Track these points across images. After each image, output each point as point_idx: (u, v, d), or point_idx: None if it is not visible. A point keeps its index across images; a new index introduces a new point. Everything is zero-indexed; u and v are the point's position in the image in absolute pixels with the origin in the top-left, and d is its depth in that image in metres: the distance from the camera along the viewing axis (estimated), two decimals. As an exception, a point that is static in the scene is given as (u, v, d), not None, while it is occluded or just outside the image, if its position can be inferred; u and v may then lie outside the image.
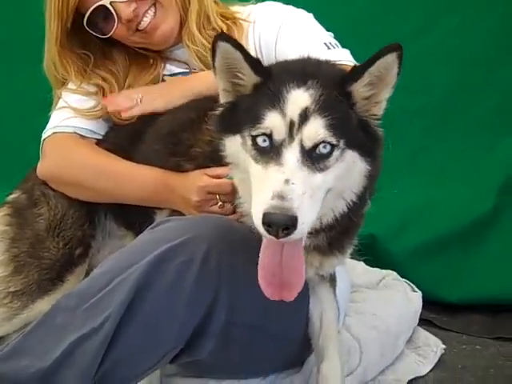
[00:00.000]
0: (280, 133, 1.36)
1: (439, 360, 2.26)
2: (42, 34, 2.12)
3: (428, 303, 2.59)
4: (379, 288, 2.53)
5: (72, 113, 2.11)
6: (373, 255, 2.72)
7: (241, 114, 1.45)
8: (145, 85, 2.14)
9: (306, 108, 1.36)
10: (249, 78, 1.46)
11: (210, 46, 1.98)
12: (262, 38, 2.11)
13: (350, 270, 2.48)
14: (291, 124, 1.36)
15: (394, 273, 2.61)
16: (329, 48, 1.99)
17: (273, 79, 1.43)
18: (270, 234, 1.30)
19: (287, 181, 1.30)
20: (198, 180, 1.81)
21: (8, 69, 3.06)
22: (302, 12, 2.15)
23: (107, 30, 2.07)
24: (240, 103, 1.48)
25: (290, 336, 1.82)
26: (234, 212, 1.78)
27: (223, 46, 1.43)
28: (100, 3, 2.00)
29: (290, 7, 2.16)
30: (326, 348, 1.83)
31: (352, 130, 1.42)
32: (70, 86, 2.15)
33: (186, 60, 2.16)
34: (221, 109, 1.53)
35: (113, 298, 1.49)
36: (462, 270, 2.77)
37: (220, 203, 1.80)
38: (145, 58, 2.17)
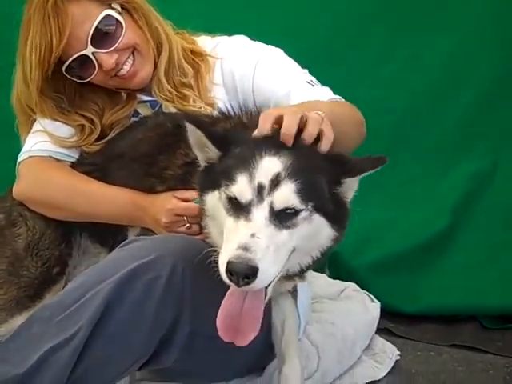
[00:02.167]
0: (247, 196, 1.45)
1: (394, 365, 2.38)
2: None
3: (388, 313, 2.74)
4: (340, 299, 2.65)
5: (46, 137, 2.17)
6: (336, 270, 2.88)
7: (217, 173, 1.55)
8: (120, 119, 2.18)
9: (278, 173, 1.44)
10: (214, 152, 1.58)
11: (175, 92, 2.14)
12: (235, 73, 2.15)
13: (314, 281, 2.61)
14: (261, 187, 1.43)
15: (354, 284, 2.73)
16: (313, 86, 2.07)
17: (243, 147, 1.52)
18: (231, 281, 1.39)
19: (253, 235, 1.39)
20: (167, 202, 1.90)
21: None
22: (273, 48, 2.21)
23: (85, 76, 2.10)
24: (215, 166, 1.59)
25: (251, 345, 1.91)
26: (200, 233, 1.87)
27: (189, 127, 1.57)
28: (82, 53, 2.03)
29: (259, 43, 2.23)
30: (287, 352, 1.95)
31: (322, 198, 1.49)
32: None
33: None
34: (201, 169, 1.65)
35: (84, 311, 1.58)
36: (419, 283, 2.91)
37: (187, 224, 1.89)
38: (118, 94, 2.21)
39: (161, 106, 2.23)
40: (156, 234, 1.96)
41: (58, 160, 2.19)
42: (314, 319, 2.40)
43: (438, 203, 2.99)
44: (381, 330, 2.62)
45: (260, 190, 1.45)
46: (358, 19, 3.03)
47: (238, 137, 1.59)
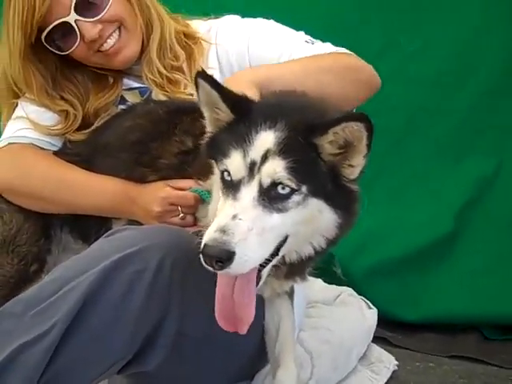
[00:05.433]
0: (239, 172, 1.37)
1: (392, 376, 2.29)
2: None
3: (384, 321, 2.63)
4: (335, 304, 2.55)
5: (29, 124, 2.06)
6: (331, 274, 2.75)
7: (216, 146, 1.47)
8: (106, 104, 2.08)
9: (268, 149, 1.36)
10: (225, 115, 1.47)
11: (167, 74, 2.05)
12: (230, 53, 2.07)
13: (308, 286, 2.45)
14: (252, 164, 1.35)
15: (351, 289, 2.63)
16: (312, 43, 2.01)
17: (244, 118, 1.42)
18: (207, 265, 1.30)
19: (235, 216, 1.31)
20: (161, 191, 1.79)
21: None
22: (263, 19, 2.13)
23: (66, 48, 2.00)
24: (217, 136, 1.49)
25: (241, 348, 1.80)
26: (194, 224, 1.78)
27: (202, 84, 1.45)
28: (64, 20, 1.94)
29: (250, 18, 2.15)
30: (282, 356, 1.82)
31: (318, 178, 1.39)
32: (28, 95, 2.09)
33: (142, 74, 2.10)
34: (207, 137, 1.55)
35: (60, 306, 1.46)
36: (419, 290, 2.82)
37: (181, 215, 1.78)
38: (104, 77, 2.11)
39: (150, 93, 2.12)
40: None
41: (41, 148, 2.07)
42: (309, 325, 2.30)
43: (440, 206, 2.88)
44: (377, 339, 2.52)
45: (252, 167, 1.36)
46: (357, 7, 2.92)
47: (250, 102, 1.48)
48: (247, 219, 1.31)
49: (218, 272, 1.32)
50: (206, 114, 1.53)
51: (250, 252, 1.30)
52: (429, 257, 2.84)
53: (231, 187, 1.37)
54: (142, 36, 2.07)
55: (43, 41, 1.99)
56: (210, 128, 1.54)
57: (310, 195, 1.37)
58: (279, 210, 1.35)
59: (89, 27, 1.95)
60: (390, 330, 2.71)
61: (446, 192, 2.90)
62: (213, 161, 1.51)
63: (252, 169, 1.36)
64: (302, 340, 2.17)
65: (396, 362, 2.35)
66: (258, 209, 1.34)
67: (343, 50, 2.00)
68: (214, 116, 1.50)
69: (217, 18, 2.20)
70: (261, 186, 1.35)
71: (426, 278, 2.83)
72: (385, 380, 2.25)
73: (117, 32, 2.01)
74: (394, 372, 2.31)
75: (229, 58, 2.08)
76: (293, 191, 1.36)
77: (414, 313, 2.76)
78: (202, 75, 1.46)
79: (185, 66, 2.11)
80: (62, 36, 1.99)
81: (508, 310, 2.66)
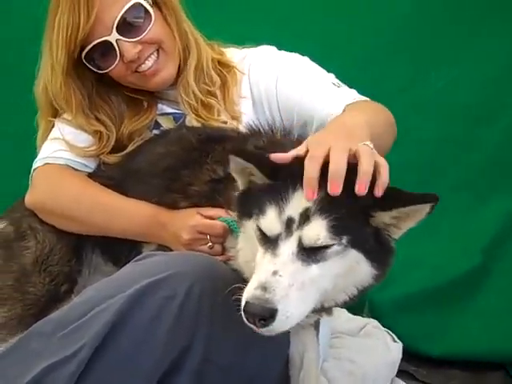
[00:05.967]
0: (274, 229, 1.36)
1: (416, 412, 2.25)
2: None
3: (409, 356, 2.59)
4: (360, 335, 2.52)
5: (65, 145, 2.11)
6: (357, 306, 2.71)
7: (253, 202, 1.46)
8: (139, 128, 2.12)
9: (308, 208, 1.34)
10: (262, 179, 1.46)
11: (202, 98, 2.09)
12: (260, 85, 2.11)
13: (334, 317, 2.49)
14: (289, 220, 1.34)
15: (376, 321, 2.60)
16: (338, 87, 2.03)
17: (281, 180, 1.41)
18: (249, 323, 1.31)
19: (275, 272, 1.31)
20: (190, 219, 1.81)
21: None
22: (297, 56, 2.17)
23: (105, 67, 2.05)
24: (253, 192, 1.48)
25: (266, 377, 1.79)
26: (222, 253, 1.79)
27: (235, 160, 1.46)
28: (106, 39, 1.98)
29: (285, 52, 2.19)
30: None
31: (361, 234, 1.37)
32: (66, 116, 2.14)
33: (177, 100, 2.15)
34: (239, 193, 1.55)
35: (89, 328, 1.47)
36: (444, 325, 2.76)
37: (210, 244, 1.80)
38: (139, 101, 2.16)
39: (184, 118, 2.16)
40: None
41: (76, 169, 2.12)
42: (332, 355, 2.28)
43: (468, 241, 2.85)
44: (401, 373, 2.48)
45: (289, 223, 1.35)
46: (388, 44, 2.92)
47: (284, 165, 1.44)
48: (287, 275, 1.30)
49: (260, 330, 1.31)
50: (238, 179, 1.53)
51: (292, 308, 1.30)
52: (455, 292, 2.80)
53: (269, 241, 1.37)
54: (179, 60, 2.11)
55: (83, 59, 2.03)
56: (242, 187, 1.53)
57: (350, 246, 1.36)
58: (317, 261, 1.34)
59: (129, 47, 1.99)
60: (415, 365, 2.67)
61: (473, 227, 2.87)
62: (243, 220, 1.50)
63: (290, 225, 1.34)
64: (326, 371, 2.15)
65: (420, 398, 2.32)
66: (297, 263, 1.33)
67: (365, 98, 2.01)
68: (248, 178, 1.49)
69: (253, 46, 2.23)
70: (300, 242, 1.34)
71: (452, 313, 2.78)
72: (408, 415, 2.23)
73: (155, 54, 2.05)
74: (417, 408, 2.27)
75: (259, 88, 2.11)
76: (332, 244, 1.35)
77: (439, 348, 2.71)
78: (236, 152, 1.46)
79: (218, 94, 2.15)
80: (101, 55, 2.02)
81: (534, 347, 2.61)
